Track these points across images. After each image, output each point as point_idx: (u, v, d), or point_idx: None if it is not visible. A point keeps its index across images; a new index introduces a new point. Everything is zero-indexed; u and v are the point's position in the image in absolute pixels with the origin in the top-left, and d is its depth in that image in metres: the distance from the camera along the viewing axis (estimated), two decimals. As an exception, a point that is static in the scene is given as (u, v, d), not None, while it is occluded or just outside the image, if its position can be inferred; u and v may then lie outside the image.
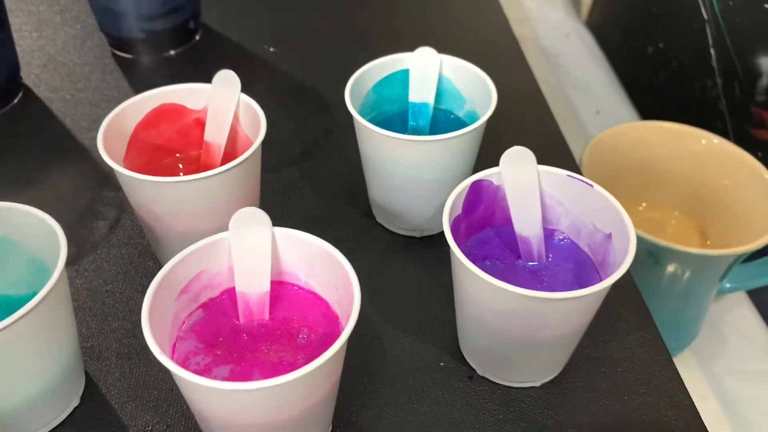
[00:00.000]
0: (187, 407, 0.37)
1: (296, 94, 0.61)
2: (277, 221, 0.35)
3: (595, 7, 1.27)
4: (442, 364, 0.40)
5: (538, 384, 0.39)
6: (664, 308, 0.58)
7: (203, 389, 0.29)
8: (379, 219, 0.49)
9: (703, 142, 0.61)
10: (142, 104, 0.43)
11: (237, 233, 0.34)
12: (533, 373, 0.39)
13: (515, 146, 0.38)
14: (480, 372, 0.40)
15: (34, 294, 0.37)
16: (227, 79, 0.43)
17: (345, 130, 0.56)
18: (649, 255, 0.55)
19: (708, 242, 0.64)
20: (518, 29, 0.82)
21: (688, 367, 0.65)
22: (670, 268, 0.56)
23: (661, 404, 0.39)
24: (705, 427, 0.38)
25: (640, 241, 0.55)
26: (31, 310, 0.30)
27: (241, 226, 0.34)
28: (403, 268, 0.46)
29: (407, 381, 0.39)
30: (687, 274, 0.58)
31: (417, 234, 0.47)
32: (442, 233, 0.48)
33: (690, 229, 0.65)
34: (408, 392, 0.39)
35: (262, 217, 0.34)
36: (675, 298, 0.59)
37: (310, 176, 0.53)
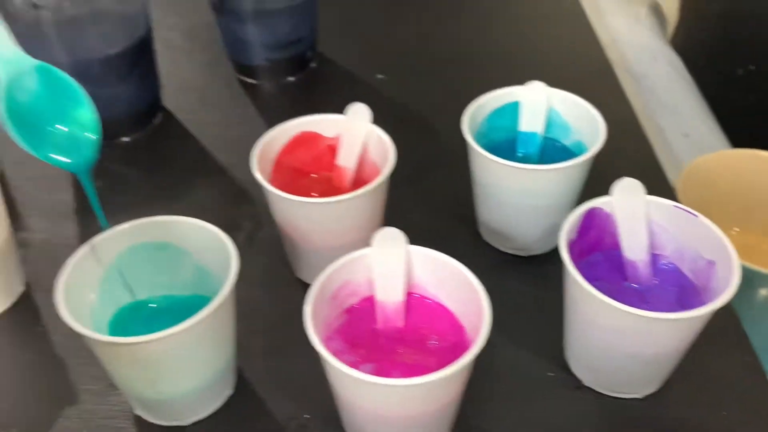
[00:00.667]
0: (327, 400, 0.42)
1: (405, 119, 0.66)
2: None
3: (680, 29, 1.28)
4: (550, 374, 0.44)
5: (641, 396, 0.43)
6: (758, 334, 0.60)
7: (358, 382, 0.33)
8: (486, 238, 0.53)
9: (798, 170, 0.63)
10: (285, 132, 0.49)
11: (378, 249, 0.39)
12: (637, 385, 0.42)
13: (626, 177, 0.42)
14: (586, 383, 0.43)
15: (196, 296, 0.43)
16: (359, 111, 0.48)
17: (452, 154, 0.61)
18: (744, 280, 0.57)
19: (801, 268, 0.65)
20: (606, 52, 0.85)
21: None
22: (763, 292, 0.58)
23: (761, 423, 0.41)
24: (801, 446, 0.41)
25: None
26: (214, 310, 0.36)
27: (382, 243, 0.39)
28: (510, 285, 0.50)
29: (520, 388, 0.43)
30: (780, 299, 0.59)
31: (523, 254, 0.51)
32: (547, 253, 0.52)
33: (783, 255, 0.67)
34: (521, 398, 0.43)
35: (398, 235, 0.39)
36: None
37: (421, 197, 0.57)
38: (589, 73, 0.70)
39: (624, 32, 1.14)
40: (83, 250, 0.40)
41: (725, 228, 0.69)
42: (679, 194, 0.63)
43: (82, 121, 0.34)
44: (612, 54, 1.08)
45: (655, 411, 0.42)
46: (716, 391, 0.43)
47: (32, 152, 0.34)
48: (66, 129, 0.34)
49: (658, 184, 0.57)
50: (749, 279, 0.58)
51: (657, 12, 1.24)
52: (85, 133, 0.35)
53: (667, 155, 0.93)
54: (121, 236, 0.41)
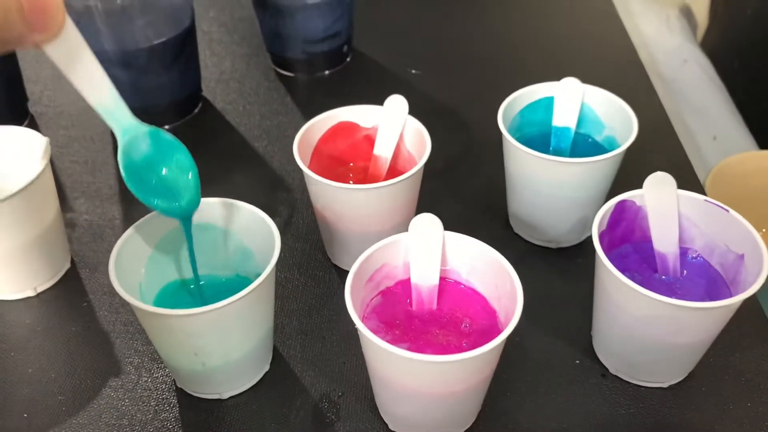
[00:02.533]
0: (358, 378, 0.44)
1: (437, 113, 0.67)
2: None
3: (710, 31, 1.27)
4: (577, 361, 0.45)
5: (665, 385, 0.44)
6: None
7: (401, 359, 0.35)
8: (516, 230, 0.54)
9: (828, 172, 0.63)
10: (325, 121, 0.50)
11: (416, 234, 0.41)
12: (663, 374, 0.43)
13: (657, 172, 0.43)
14: (612, 371, 0.44)
15: (237, 276, 0.45)
16: (397, 103, 0.50)
17: (483, 147, 0.62)
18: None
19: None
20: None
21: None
22: (790, 292, 0.59)
23: (784, 414, 0.42)
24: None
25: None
26: (257, 287, 0.38)
27: (420, 229, 0.41)
28: (540, 275, 0.51)
29: (546, 374, 0.45)
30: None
31: (553, 245, 0.52)
32: (576, 246, 0.53)
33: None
34: (546, 384, 0.44)
35: (436, 222, 0.41)
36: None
37: (452, 188, 0.59)
38: (622, 72, 0.71)
39: (654, 35, 1.15)
40: (132, 229, 0.42)
41: (754, 227, 0.70)
42: (708, 192, 0.64)
43: (185, 174, 0.40)
44: (642, 56, 1.09)
45: (679, 400, 0.43)
46: (740, 382, 0.44)
47: (145, 203, 0.39)
48: (172, 181, 0.40)
49: (689, 182, 0.58)
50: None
51: (687, 14, 1.24)
52: (188, 184, 0.40)
53: (696, 157, 0.93)
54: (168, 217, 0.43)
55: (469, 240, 0.41)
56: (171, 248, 0.44)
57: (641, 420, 0.42)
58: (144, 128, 0.39)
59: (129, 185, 0.39)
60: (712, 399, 0.43)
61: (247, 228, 0.43)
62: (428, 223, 0.41)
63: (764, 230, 0.69)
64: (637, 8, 1.21)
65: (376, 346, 0.35)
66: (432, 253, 0.41)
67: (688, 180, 0.58)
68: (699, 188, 0.57)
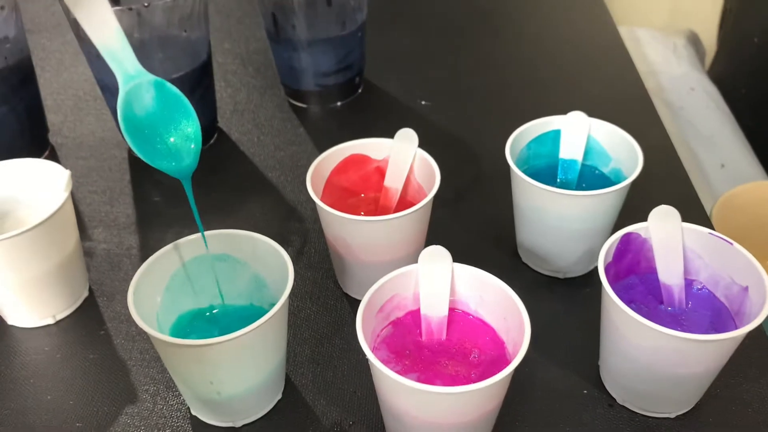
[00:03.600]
0: (369, 407, 0.45)
1: (447, 144, 0.69)
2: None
3: (718, 58, 1.29)
4: (585, 391, 0.46)
5: (673, 416, 0.44)
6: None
7: (408, 390, 0.36)
8: (525, 260, 0.55)
9: (834, 202, 0.64)
10: (337, 153, 0.52)
11: (425, 266, 0.42)
12: (669, 405, 0.44)
13: (662, 205, 0.44)
14: (619, 401, 0.45)
15: (251, 305, 0.46)
16: (408, 136, 0.51)
17: (492, 178, 0.63)
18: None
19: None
20: (644, 82, 0.87)
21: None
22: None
23: (789, 446, 0.43)
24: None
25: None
26: (271, 317, 0.39)
27: (429, 260, 0.42)
28: (548, 305, 0.52)
29: (554, 404, 0.45)
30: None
31: (560, 275, 0.53)
32: (584, 276, 0.54)
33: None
34: (554, 414, 0.45)
35: (445, 254, 0.42)
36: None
37: (461, 218, 0.60)
38: (628, 103, 0.72)
39: (661, 63, 1.16)
40: (151, 260, 0.43)
41: (759, 258, 0.71)
42: (714, 223, 0.65)
43: (187, 131, 0.38)
44: (649, 84, 1.10)
45: (686, 430, 0.43)
46: (747, 413, 0.44)
47: (143, 158, 0.37)
48: (173, 139, 0.38)
49: (694, 212, 0.58)
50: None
51: (695, 42, 1.25)
52: (190, 143, 0.38)
53: (704, 185, 0.94)
54: (187, 247, 0.44)
55: (478, 272, 0.42)
56: (187, 277, 0.45)
57: (648, 450, 0.43)
58: (149, 77, 0.36)
59: (127, 138, 0.36)
60: (718, 429, 0.44)
61: (261, 258, 0.45)
62: (437, 255, 0.42)
63: (771, 259, 0.70)
64: (645, 37, 1.22)
65: (385, 377, 0.36)
66: (441, 285, 0.42)
67: (694, 210, 0.59)
68: (705, 218, 0.58)
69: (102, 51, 0.36)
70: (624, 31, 1.21)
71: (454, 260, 0.42)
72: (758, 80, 1.13)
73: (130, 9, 0.56)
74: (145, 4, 0.56)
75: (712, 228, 0.57)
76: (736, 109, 1.08)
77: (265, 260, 0.44)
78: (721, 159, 0.96)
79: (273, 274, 0.44)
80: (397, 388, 0.37)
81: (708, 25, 1.31)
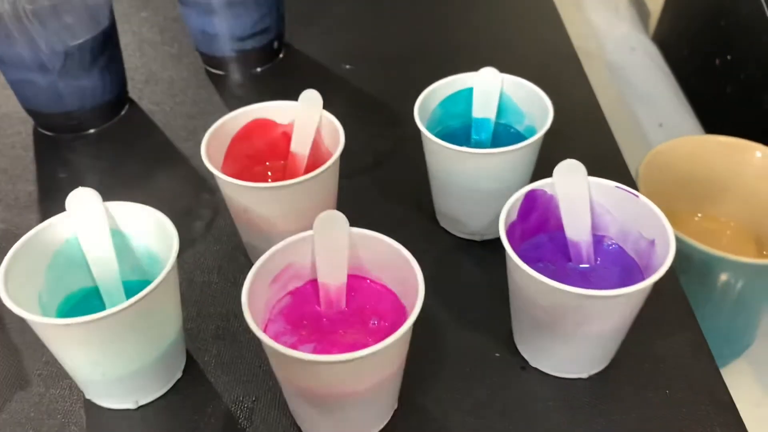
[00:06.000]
0: (273, 383, 0.43)
1: (369, 108, 0.66)
2: (351, 223, 0.40)
3: (663, 20, 1.28)
4: (497, 354, 0.45)
5: (585, 376, 0.43)
6: (717, 316, 0.61)
7: (294, 360, 0.34)
8: (442, 223, 0.53)
9: (759, 154, 0.63)
10: (238, 119, 0.49)
11: (320, 232, 0.40)
12: (581, 365, 0.43)
13: (567, 159, 0.42)
14: (532, 363, 0.44)
15: (146, 281, 0.43)
16: (312, 98, 0.49)
17: (413, 143, 0.61)
18: (703, 264, 0.58)
19: (765, 252, 0.66)
20: (584, 44, 0.86)
21: (742, 375, 0.67)
22: (723, 277, 0.58)
23: (702, 400, 0.42)
24: (744, 426, 0.41)
25: (694, 250, 0.57)
26: (151, 291, 0.37)
27: (323, 227, 0.40)
28: (464, 269, 0.50)
29: (465, 368, 0.44)
30: (740, 284, 0.60)
31: (477, 238, 0.52)
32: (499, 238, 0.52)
33: (746, 240, 0.67)
34: (466, 378, 0.43)
35: (341, 219, 0.40)
36: (728, 306, 0.62)
37: (381, 184, 0.58)
38: (555, 62, 0.71)
39: (603, 24, 1.15)
40: (27, 237, 0.40)
41: (688, 214, 0.71)
42: (640, 180, 0.64)
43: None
44: (590, 45, 1.09)
45: (597, 390, 0.42)
46: (661, 371, 0.43)
47: None
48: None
49: (617, 169, 0.57)
50: (709, 264, 0.59)
51: (638, 3, 1.24)
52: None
53: (642, 144, 0.93)
54: (67, 223, 0.42)
55: (376, 235, 0.40)
56: (72, 255, 0.42)
57: (561, 411, 0.42)
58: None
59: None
60: (631, 388, 0.43)
61: (148, 231, 0.42)
62: (333, 220, 0.40)
63: (699, 215, 0.69)
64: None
65: (272, 350, 0.34)
66: (338, 252, 0.40)
67: (617, 167, 0.58)
68: (627, 175, 0.57)
69: (99, 285, 0.42)
70: (565, -8, 1.20)
71: (372, 228, 0.40)
72: (700, 39, 1.12)
73: (16, -28, 0.52)
74: (32, -33, 0.53)
75: (637, 186, 0.56)
76: (677, 70, 1.08)
77: (153, 232, 0.42)
78: (660, 118, 0.96)
79: (161, 245, 0.42)
80: (284, 360, 0.35)
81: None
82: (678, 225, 0.56)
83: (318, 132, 0.49)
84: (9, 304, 0.36)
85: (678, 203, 0.54)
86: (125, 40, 0.75)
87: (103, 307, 0.43)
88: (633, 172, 0.61)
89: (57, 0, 0.56)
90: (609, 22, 1.14)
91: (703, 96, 1.03)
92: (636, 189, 0.50)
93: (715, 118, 0.98)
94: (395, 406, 0.42)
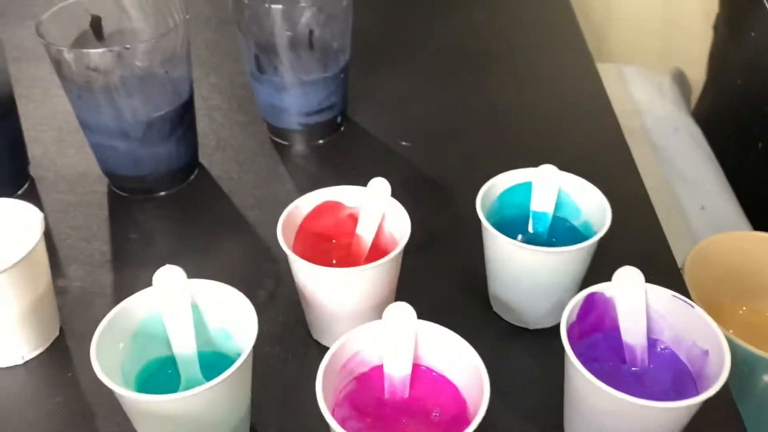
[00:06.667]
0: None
1: (424, 186, 0.69)
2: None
3: (704, 96, 1.30)
4: (549, 447, 0.46)
5: (634, 477, 0.44)
6: (761, 416, 0.61)
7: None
8: (495, 308, 0.55)
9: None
10: (310, 200, 0.52)
11: (389, 322, 0.42)
12: (631, 466, 0.44)
13: (626, 266, 0.45)
14: (582, 459, 0.45)
15: (218, 353, 0.46)
16: (380, 186, 0.52)
17: (469, 222, 0.63)
18: (745, 363, 0.59)
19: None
20: (627, 122, 0.87)
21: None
22: (766, 377, 0.59)
23: None
24: None
25: (737, 348, 0.59)
26: (234, 372, 0.39)
27: (392, 318, 0.42)
28: (517, 357, 0.52)
29: (517, 460, 0.45)
30: (784, 383, 0.61)
31: (531, 327, 0.54)
32: (552, 327, 0.54)
33: (791, 337, 0.68)
34: (517, 470, 0.45)
35: (410, 311, 0.42)
36: (771, 405, 0.62)
37: (435, 264, 0.60)
38: (604, 149, 0.73)
39: (647, 101, 1.17)
40: (116, 310, 0.43)
41: (733, 307, 0.71)
42: (686, 273, 0.65)
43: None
44: (634, 124, 1.11)
45: (647, 492, 0.43)
46: (709, 476, 0.44)
47: None
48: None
49: (664, 264, 0.59)
50: (751, 363, 0.60)
51: (681, 81, 1.27)
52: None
53: (684, 227, 0.94)
54: (153, 298, 0.45)
55: (442, 330, 0.42)
56: (154, 327, 0.45)
57: None
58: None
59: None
60: (679, 491, 0.44)
61: (226, 308, 0.45)
62: (401, 312, 0.42)
63: (744, 309, 0.70)
64: (632, 75, 1.24)
65: (343, 438, 0.36)
66: (404, 343, 0.42)
67: (664, 263, 0.59)
68: (675, 271, 0.59)
69: (177, 357, 0.45)
70: (611, 68, 1.23)
71: (425, 310, 0.43)
72: (742, 121, 1.14)
73: (111, 51, 0.57)
74: (127, 46, 0.57)
75: (681, 281, 0.57)
76: (718, 151, 1.09)
77: (230, 309, 0.45)
78: (702, 201, 0.97)
79: (238, 323, 0.44)
80: (354, 449, 0.37)
81: (696, 64, 1.32)
82: (722, 318, 0.57)
83: (383, 218, 0.52)
84: (101, 376, 0.39)
85: (723, 296, 0.55)
86: (196, 105, 0.79)
87: (178, 376, 0.46)
88: (678, 259, 0.62)
89: (144, 74, 0.60)
90: (653, 100, 1.17)
91: (745, 178, 1.05)
92: (683, 280, 0.52)
93: (756, 202, 0.99)
94: (449, 495, 0.43)
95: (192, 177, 0.69)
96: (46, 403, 0.49)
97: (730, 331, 0.62)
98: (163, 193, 0.67)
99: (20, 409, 0.48)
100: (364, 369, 0.43)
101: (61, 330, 0.54)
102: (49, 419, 0.48)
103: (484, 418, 0.47)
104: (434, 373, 0.43)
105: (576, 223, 0.54)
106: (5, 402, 0.49)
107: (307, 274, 0.48)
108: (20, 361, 0.51)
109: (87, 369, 0.51)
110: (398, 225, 0.51)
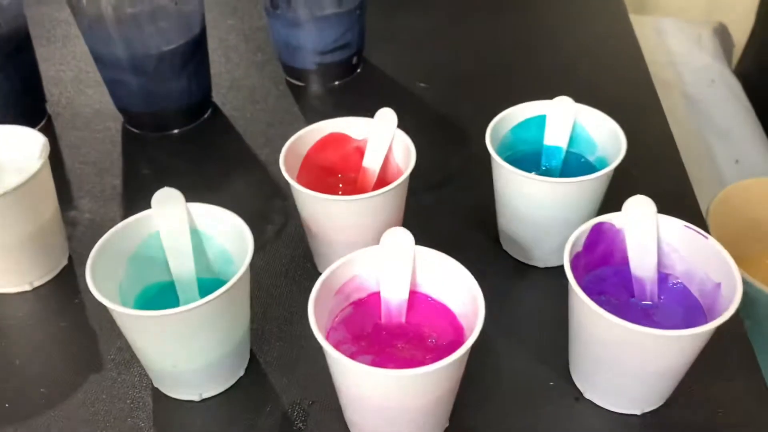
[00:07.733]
0: (330, 388, 0.44)
1: (441, 126, 0.67)
2: (415, 240, 0.41)
3: (747, 53, 1.24)
4: (551, 383, 0.45)
5: (638, 413, 0.43)
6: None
7: (353, 371, 0.35)
8: (505, 247, 0.54)
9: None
10: (315, 131, 0.51)
11: (387, 248, 0.41)
12: (636, 402, 0.42)
13: (638, 195, 0.43)
14: (586, 395, 0.44)
15: (219, 279, 0.46)
16: (387, 116, 0.50)
17: (482, 162, 0.62)
18: (766, 307, 0.56)
19: (838, 303, 0.64)
20: (662, 72, 0.84)
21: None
22: (789, 322, 0.57)
23: (759, 448, 0.41)
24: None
25: (761, 294, 0.56)
26: (225, 291, 0.39)
27: (390, 242, 0.41)
28: (525, 294, 0.51)
29: (518, 394, 0.44)
30: (810, 333, 0.58)
31: (540, 264, 0.52)
32: (561, 266, 0.52)
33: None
34: (518, 404, 0.44)
35: (408, 236, 0.41)
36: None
37: (447, 202, 0.59)
38: (631, 92, 0.70)
39: (683, 53, 1.12)
40: (113, 230, 0.43)
41: (759, 255, 0.69)
42: (711, 219, 0.63)
43: None
44: (668, 75, 1.07)
45: (652, 428, 0.42)
46: (718, 414, 0.43)
47: None
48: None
49: (688, 208, 0.57)
50: (775, 308, 0.57)
51: (722, 34, 1.21)
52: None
53: (716, 181, 0.91)
54: (151, 220, 0.44)
55: (440, 256, 0.41)
56: (153, 250, 0.45)
57: (611, 446, 0.42)
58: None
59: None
60: (685, 429, 0.42)
61: (227, 233, 0.44)
62: (399, 237, 0.41)
63: (771, 258, 0.67)
64: (669, 28, 1.19)
65: (333, 358, 0.36)
66: (402, 268, 0.41)
67: (688, 204, 0.57)
68: (698, 213, 0.56)
69: (175, 280, 0.45)
70: (649, 21, 1.18)
71: (435, 246, 0.41)
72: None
73: (120, -20, 0.56)
74: (135, -24, 0.56)
75: (705, 227, 0.55)
76: (757, 106, 1.05)
77: (230, 235, 0.44)
78: (736, 155, 0.93)
79: (238, 247, 0.44)
80: (343, 369, 0.36)
81: (741, 22, 1.27)
82: (747, 266, 0.55)
83: (390, 149, 0.51)
84: (95, 293, 0.39)
85: (749, 244, 0.53)
86: (212, 45, 0.78)
87: (177, 301, 0.45)
88: (704, 209, 0.60)
89: (155, 6, 0.59)
90: (690, 52, 1.12)
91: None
92: (706, 227, 0.50)
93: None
94: (446, 425, 0.42)
95: (206, 116, 0.69)
96: (51, 327, 0.50)
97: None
98: (176, 131, 0.67)
99: (26, 333, 0.49)
100: (362, 295, 0.42)
101: (70, 259, 0.55)
102: (53, 343, 0.48)
103: (490, 355, 0.47)
104: (432, 300, 0.42)
105: (591, 158, 0.52)
106: (12, 326, 0.50)
107: (310, 204, 0.47)
108: (28, 288, 0.52)
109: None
110: (406, 156, 0.50)
